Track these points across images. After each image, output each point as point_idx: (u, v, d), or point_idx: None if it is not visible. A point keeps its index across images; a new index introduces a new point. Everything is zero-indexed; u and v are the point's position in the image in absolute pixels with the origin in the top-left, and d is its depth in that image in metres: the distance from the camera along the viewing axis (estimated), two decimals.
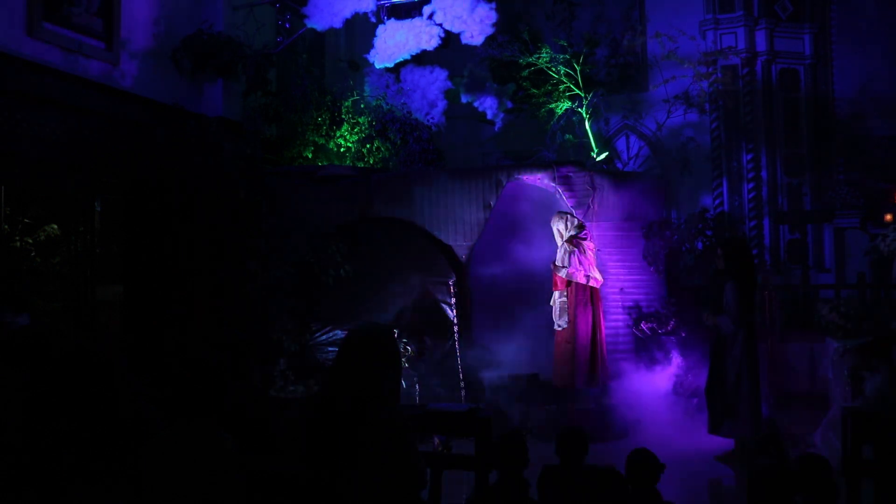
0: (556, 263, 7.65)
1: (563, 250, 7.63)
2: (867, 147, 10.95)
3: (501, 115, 10.28)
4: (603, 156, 9.87)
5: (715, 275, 7.13)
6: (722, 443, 6.66)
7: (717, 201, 10.97)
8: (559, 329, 7.62)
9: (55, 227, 6.81)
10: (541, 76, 9.97)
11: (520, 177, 8.25)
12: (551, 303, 7.71)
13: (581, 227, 7.76)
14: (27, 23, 6.16)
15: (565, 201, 8.20)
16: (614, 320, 8.17)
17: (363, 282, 7.77)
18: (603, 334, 7.75)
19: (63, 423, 2.76)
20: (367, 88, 9.56)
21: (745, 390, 6.52)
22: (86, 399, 2.81)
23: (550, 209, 8.27)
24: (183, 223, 7.44)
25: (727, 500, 5.96)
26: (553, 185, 8.20)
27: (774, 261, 10.65)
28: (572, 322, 7.52)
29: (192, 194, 7.35)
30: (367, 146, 8.95)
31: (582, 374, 7.50)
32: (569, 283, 7.56)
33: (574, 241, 7.63)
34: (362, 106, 9.21)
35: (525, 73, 9.96)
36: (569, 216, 7.80)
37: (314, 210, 8.00)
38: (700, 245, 8.85)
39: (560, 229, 7.72)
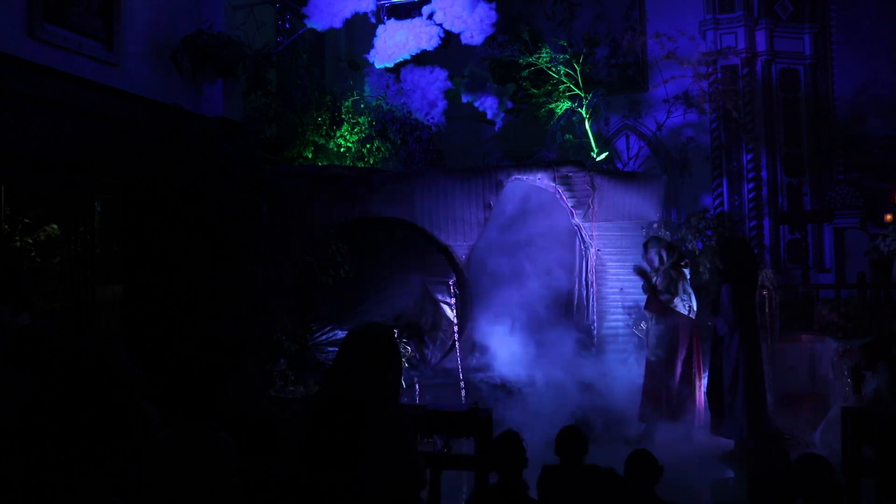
0: (659, 288, 7.01)
1: (668, 277, 7.02)
2: (867, 147, 10.96)
3: (502, 115, 10.28)
4: (603, 156, 9.87)
5: (715, 274, 7.13)
6: (722, 443, 6.66)
7: (717, 201, 10.97)
8: (654, 359, 7.00)
9: (55, 227, 6.80)
10: (541, 76, 9.98)
11: (520, 177, 8.25)
12: (642, 325, 7.23)
13: (682, 255, 7.27)
14: (27, 23, 6.16)
15: (565, 201, 8.20)
16: (614, 320, 8.17)
17: (363, 282, 7.77)
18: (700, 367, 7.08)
19: (66, 422, 2.76)
20: (367, 88, 9.56)
21: (743, 391, 6.51)
22: (90, 399, 2.81)
23: (550, 209, 8.27)
24: (183, 223, 7.44)
25: (727, 500, 5.95)
26: (553, 185, 8.20)
27: (774, 261, 10.65)
28: (674, 354, 6.93)
29: (193, 194, 7.35)
30: (367, 146, 8.95)
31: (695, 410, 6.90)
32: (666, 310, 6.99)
33: (677, 267, 7.10)
34: (362, 106, 9.21)
35: (525, 73, 9.97)
36: (667, 241, 7.32)
37: (314, 210, 8.00)
38: (700, 245, 8.85)
39: (664, 256, 7.10)
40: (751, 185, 10.89)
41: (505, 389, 7.58)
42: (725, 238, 8.59)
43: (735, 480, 6.10)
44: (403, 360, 7.23)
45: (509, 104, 10.38)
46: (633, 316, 8.11)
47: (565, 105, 10.02)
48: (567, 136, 10.32)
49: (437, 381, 7.71)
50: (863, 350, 6.43)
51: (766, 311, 8.56)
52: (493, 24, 8.73)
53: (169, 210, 7.41)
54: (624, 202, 8.30)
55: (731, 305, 6.52)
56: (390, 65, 8.97)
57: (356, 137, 8.94)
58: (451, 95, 9.90)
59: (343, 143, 8.92)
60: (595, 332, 8.13)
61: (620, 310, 8.18)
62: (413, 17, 8.82)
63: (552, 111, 10.12)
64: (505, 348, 7.75)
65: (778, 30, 11.05)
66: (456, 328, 7.82)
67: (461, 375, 7.65)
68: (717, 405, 6.67)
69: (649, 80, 11.31)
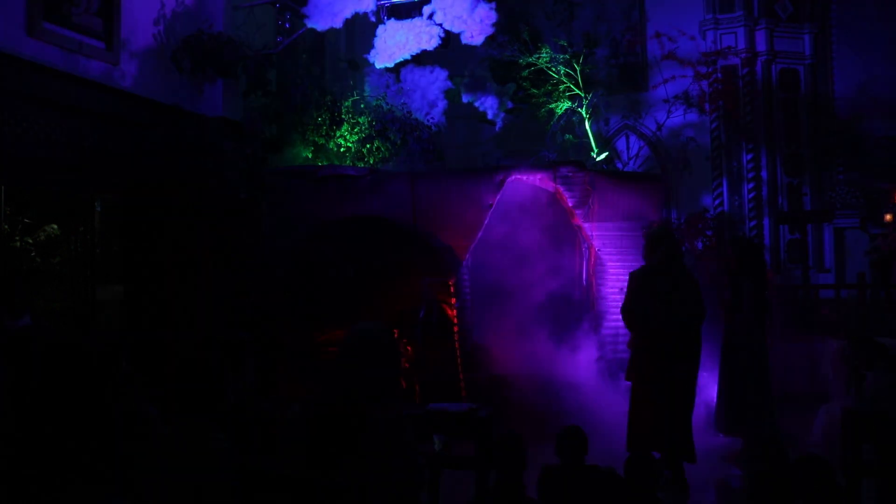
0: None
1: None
2: (867, 147, 10.96)
3: (502, 115, 10.28)
4: (603, 156, 9.88)
5: (728, 274, 7.14)
6: (728, 443, 6.65)
7: (717, 201, 10.98)
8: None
9: (55, 227, 6.80)
10: (541, 76, 9.98)
11: (520, 177, 8.25)
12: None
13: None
14: (27, 23, 6.15)
15: (565, 201, 8.20)
16: (615, 320, 8.16)
17: (363, 282, 7.77)
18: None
19: (63, 422, 2.76)
20: (367, 88, 9.55)
21: (758, 390, 6.52)
22: (81, 397, 2.81)
23: (550, 209, 8.27)
24: (183, 223, 7.43)
25: (734, 500, 5.95)
26: (553, 184, 8.20)
27: (774, 261, 10.66)
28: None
29: (193, 194, 7.35)
30: (367, 146, 8.94)
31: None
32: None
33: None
34: (362, 106, 9.20)
35: (525, 73, 9.97)
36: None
37: (314, 210, 8.00)
38: (700, 245, 8.85)
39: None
40: (751, 185, 10.89)
41: (505, 389, 7.57)
42: (738, 238, 8.59)
43: (742, 481, 6.09)
44: (403, 359, 7.24)
45: (509, 104, 10.38)
46: None
47: (565, 105, 10.02)
48: (567, 136, 10.32)
49: (437, 381, 7.70)
50: (862, 349, 6.43)
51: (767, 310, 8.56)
52: (494, 24, 8.71)
53: (169, 210, 7.40)
54: (624, 202, 8.30)
55: (750, 303, 6.52)
56: (390, 65, 8.96)
57: (356, 137, 8.93)
58: (451, 95, 9.90)
59: (343, 143, 8.92)
60: (595, 331, 8.13)
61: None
62: (413, 18, 8.81)
63: (552, 111, 10.12)
64: (505, 348, 7.75)
65: (778, 30, 11.05)
66: (456, 328, 7.81)
67: (461, 375, 7.65)
68: (732, 405, 6.66)
69: (649, 80, 11.32)
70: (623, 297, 8.14)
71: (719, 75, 10.66)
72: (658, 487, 3.73)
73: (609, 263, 8.21)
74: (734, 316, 6.70)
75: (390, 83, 9.61)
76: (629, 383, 6.89)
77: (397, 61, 8.90)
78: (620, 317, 8.12)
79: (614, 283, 8.18)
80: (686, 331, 5.90)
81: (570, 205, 8.18)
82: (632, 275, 6.24)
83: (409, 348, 7.53)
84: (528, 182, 8.33)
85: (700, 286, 6.15)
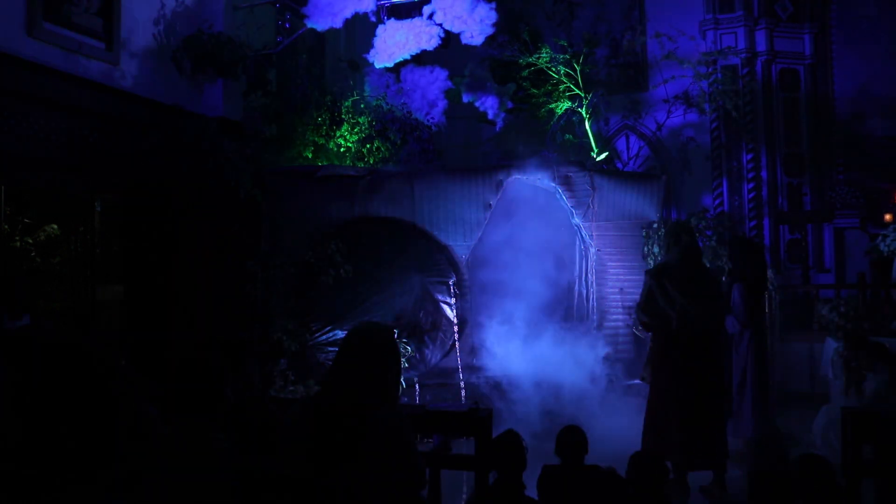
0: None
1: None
2: (867, 147, 10.95)
3: (502, 115, 10.27)
4: (603, 156, 9.87)
5: (727, 274, 7.14)
6: (730, 443, 6.65)
7: (717, 201, 10.97)
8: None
9: (55, 227, 6.80)
10: (541, 76, 9.98)
11: (520, 177, 8.25)
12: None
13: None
14: (27, 23, 6.16)
15: (565, 201, 8.21)
16: (614, 320, 8.17)
17: (363, 282, 7.77)
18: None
19: (58, 420, 2.75)
20: (367, 88, 9.55)
21: (751, 391, 6.52)
22: (81, 397, 2.81)
23: (550, 209, 8.27)
24: (183, 223, 7.44)
25: (734, 500, 5.94)
26: (553, 185, 8.21)
27: (774, 261, 10.65)
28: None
29: (192, 194, 7.35)
30: (367, 146, 8.94)
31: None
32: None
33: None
34: (362, 106, 9.20)
35: (525, 73, 9.96)
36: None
37: (314, 210, 8.00)
38: (700, 245, 8.85)
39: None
40: (751, 185, 10.89)
41: (505, 389, 7.58)
42: (735, 238, 8.57)
43: (742, 480, 6.09)
44: (403, 360, 7.24)
45: (509, 104, 10.37)
46: (634, 316, 8.10)
47: (565, 105, 10.02)
48: (567, 136, 10.32)
49: (437, 381, 7.71)
50: (862, 349, 6.43)
51: (767, 311, 8.56)
52: (494, 24, 8.72)
53: (169, 210, 7.41)
54: (624, 202, 8.30)
55: (743, 304, 6.51)
56: (390, 65, 8.96)
57: (356, 137, 8.93)
58: (451, 95, 9.90)
59: (343, 143, 8.91)
60: (595, 331, 8.13)
61: (620, 310, 8.17)
62: (413, 17, 8.82)
63: (552, 111, 10.12)
64: (505, 348, 7.75)
65: (778, 30, 11.04)
66: (456, 328, 7.82)
67: (461, 375, 7.66)
68: (730, 405, 6.66)
69: (649, 80, 11.31)
70: (623, 296, 8.18)
71: (719, 75, 10.65)
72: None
73: (609, 263, 8.21)
74: (729, 315, 6.70)
75: (390, 83, 9.61)
76: (630, 383, 6.90)
77: (397, 61, 8.90)
78: (620, 316, 8.16)
79: (614, 283, 8.19)
80: (709, 329, 5.85)
81: (570, 205, 8.19)
82: (648, 272, 6.20)
83: (408, 348, 7.53)
84: (528, 182, 8.34)
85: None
